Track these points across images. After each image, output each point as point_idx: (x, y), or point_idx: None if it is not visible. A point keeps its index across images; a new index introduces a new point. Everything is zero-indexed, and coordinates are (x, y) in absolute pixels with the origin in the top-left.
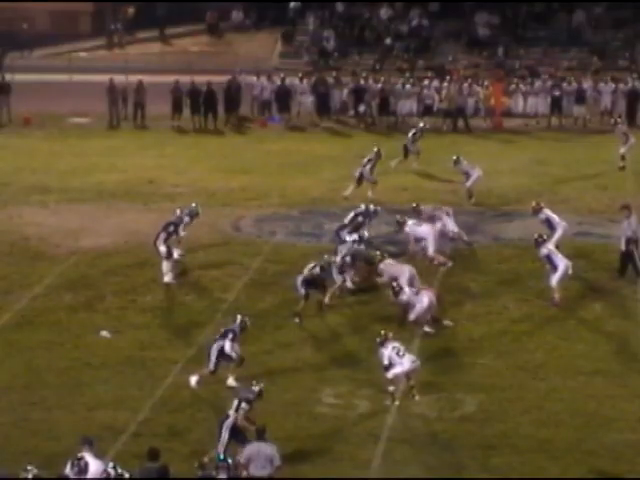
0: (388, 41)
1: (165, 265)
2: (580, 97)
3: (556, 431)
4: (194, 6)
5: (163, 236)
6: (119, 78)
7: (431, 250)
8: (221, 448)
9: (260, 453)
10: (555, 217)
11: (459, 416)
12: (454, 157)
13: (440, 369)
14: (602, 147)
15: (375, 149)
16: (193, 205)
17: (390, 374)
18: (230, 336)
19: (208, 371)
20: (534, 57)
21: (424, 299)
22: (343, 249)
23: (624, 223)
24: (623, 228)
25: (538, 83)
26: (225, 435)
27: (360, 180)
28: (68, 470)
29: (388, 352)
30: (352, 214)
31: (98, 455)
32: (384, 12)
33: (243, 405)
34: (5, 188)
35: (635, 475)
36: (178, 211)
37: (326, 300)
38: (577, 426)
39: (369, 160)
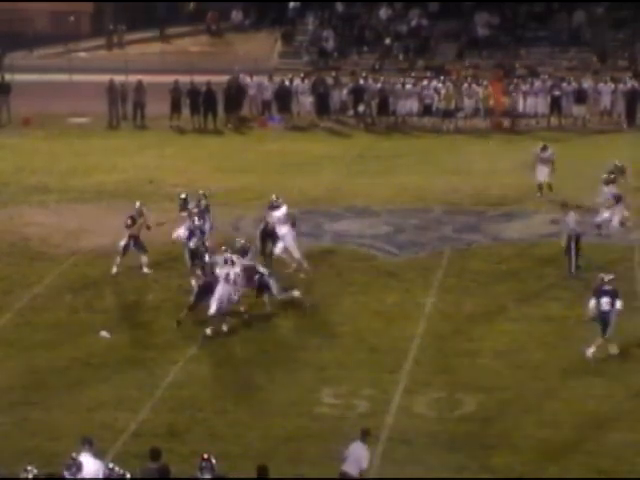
0: (387, 41)
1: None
2: (580, 97)
3: (556, 431)
4: (194, 6)
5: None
6: (119, 78)
7: (278, 250)
8: None
9: (355, 452)
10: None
11: (459, 416)
12: (542, 144)
13: (439, 369)
14: (602, 147)
15: (617, 163)
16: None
17: None
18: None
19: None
20: (534, 57)
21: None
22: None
23: (563, 220)
24: (563, 225)
25: (538, 83)
26: None
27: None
28: (66, 473)
29: None
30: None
31: (98, 455)
32: (383, 12)
33: None
34: (5, 188)
35: (635, 475)
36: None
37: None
38: (577, 426)
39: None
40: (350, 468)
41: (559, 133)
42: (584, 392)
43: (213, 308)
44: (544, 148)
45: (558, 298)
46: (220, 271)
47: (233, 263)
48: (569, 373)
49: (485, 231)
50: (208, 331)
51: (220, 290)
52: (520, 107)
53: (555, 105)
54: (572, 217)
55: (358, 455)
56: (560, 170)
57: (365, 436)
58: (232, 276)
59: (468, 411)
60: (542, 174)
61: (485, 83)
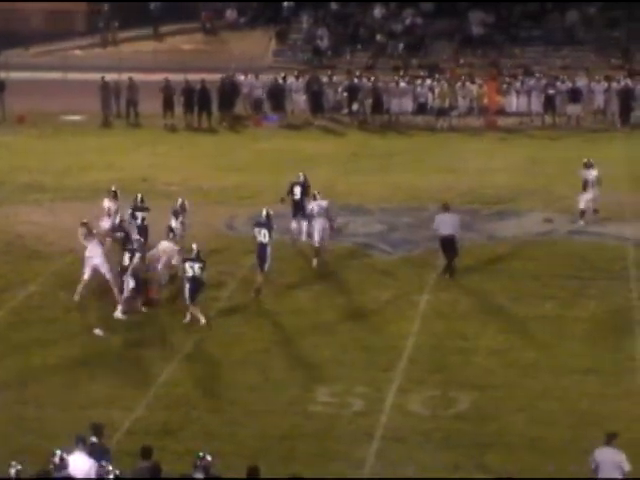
0: (382, 39)
1: None
2: (574, 96)
3: (550, 429)
4: (188, 4)
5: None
6: (113, 76)
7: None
8: None
9: (607, 458)
10: None
11: (453, 414)
12: None
13: (434, 367)
14: (596, 145)
15: None
16: None
17: None
18: None
19: None
20: (528, 56)
21: None
22: None
23: (439, 219)
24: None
25: (532, 81)
26: None
27: None
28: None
29: None
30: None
31: (94, 453)
32: (378, 11)
33: None
34: (0, 187)
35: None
36: None
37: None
38: (571, 425)
39: None
40: (611, 476)
41: (553, 131)
42: (578, 391)
43: (317, 238)
44: None
45: (553, 297)
46: (310, 207)
47: (316, 198)
48: (563, 372)
49: (479, 230)
50: (314, 263)
51: (318, 223)
52: (514, 106)
53: (549, 104)
54: (449, 217)
55: (613, 460)
56: (553, 169)
57: (612, 439)
58: (316, 210)
59: (462, 409)
60: None
61: (479, 82)
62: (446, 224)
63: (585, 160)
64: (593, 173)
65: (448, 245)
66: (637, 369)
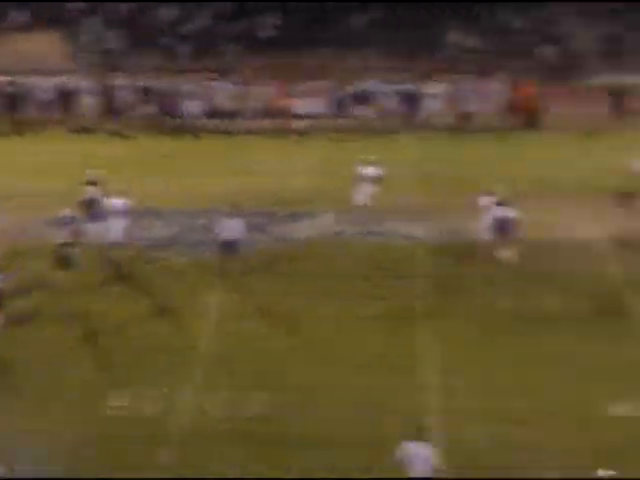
0: (172, 42)
1: None
2: (364, 98)
3: (345, 426)
4: None
5: None
6: None
7: None
8: None
9: (415, 453)
10: None
11: (248, 415)
12: None
13: (229, 368)
14: (386, 147)
15: None
16: None
17: None
18: None
19: None
20: (318, 58)
21: None
22: None
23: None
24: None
25: (322, 84)
26: None
27: None
28: None
29: None
30: None
31: None
32: (169, 13)
33: None
34: None
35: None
36: None
37: None
38: (368, 419)
39: None
40: (420, 471)
41: (345, 134)
42: (367, 387)
43: (113, 236)
44: None
45: (343, 297)
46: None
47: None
48: (354, 369)
49: (273, 232)
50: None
51: (114, 222)
52: (305, 108)
53: (339, 106)
54: (236, 223)
55: (422, 454)
56: (347, 170)
57: (420, 433)
58: (112, 208)
59: (257, 410)
60: None
61: (270, 84)
62: (229, 229)
63: (365, 157)
64: (373, 171)
65: (230, 249)
66: (418, 365)
